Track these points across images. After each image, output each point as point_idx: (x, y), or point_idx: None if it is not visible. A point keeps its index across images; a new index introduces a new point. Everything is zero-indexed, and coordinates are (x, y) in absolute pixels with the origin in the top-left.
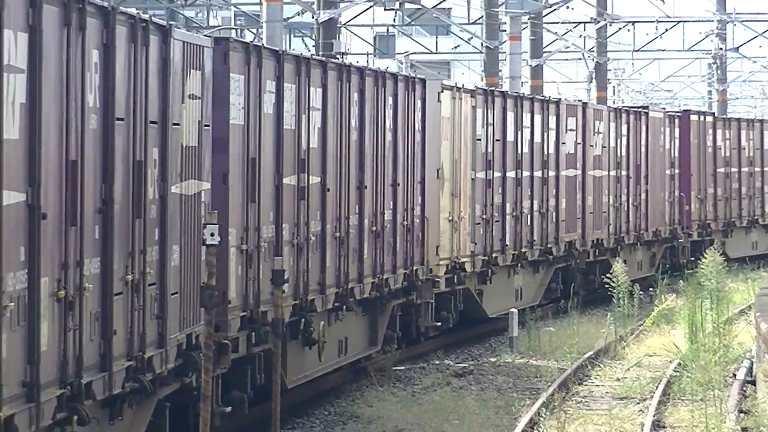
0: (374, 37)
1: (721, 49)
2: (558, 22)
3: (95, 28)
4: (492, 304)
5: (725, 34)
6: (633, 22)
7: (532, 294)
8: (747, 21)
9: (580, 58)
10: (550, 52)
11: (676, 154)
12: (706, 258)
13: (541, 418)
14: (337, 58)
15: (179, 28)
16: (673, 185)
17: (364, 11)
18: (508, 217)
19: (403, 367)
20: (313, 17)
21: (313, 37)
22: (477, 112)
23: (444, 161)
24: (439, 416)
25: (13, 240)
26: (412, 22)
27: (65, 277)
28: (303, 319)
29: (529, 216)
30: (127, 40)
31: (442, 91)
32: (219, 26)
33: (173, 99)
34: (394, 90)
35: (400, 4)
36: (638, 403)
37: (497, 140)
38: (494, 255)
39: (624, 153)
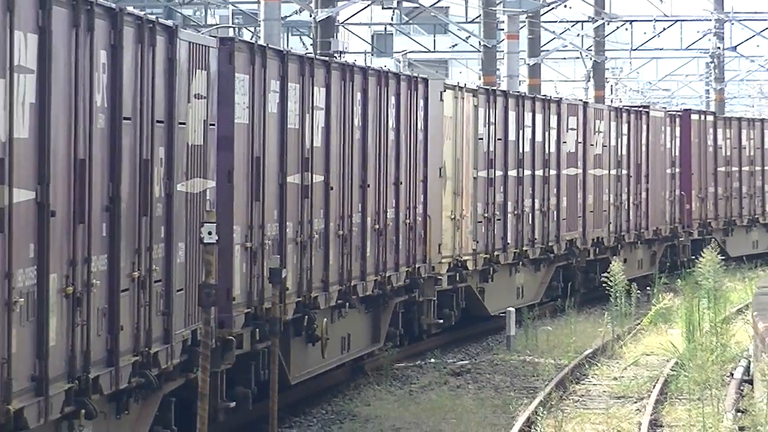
0: (372, 36)
1: (719, 48)
2: (556, 21)
3: (103, 29)
4: (494, 301)
5: (723, 33)
6: (631, 21)
7: (534, 292)
8: (745, 20)
9: (578, 57)
10: (547, 50)
11: (677, 153)
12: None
13: (539, 417)
14: (335, 57)
15: (185, 29)
16: (673, 184)
17: (362, 10)
18: (509, 215)
19: (403, 364)
20: (310, 16)
21: (311, 36)
22: (479, 111)
23: (446, 160)
24: (437, 415)
25: (22, 237)
26: (410, 21)
27: (73, 273)
28: (306, 316)
29: (530, 214)
30: (134, 41)
31: (445, 91)
32: (217, 25)
33: (179, 98)
34: (396, 89)
35: (397, 2)
36: (635, 402)
37: (499, 139)
38: (496, 253)
39: (624, 152)
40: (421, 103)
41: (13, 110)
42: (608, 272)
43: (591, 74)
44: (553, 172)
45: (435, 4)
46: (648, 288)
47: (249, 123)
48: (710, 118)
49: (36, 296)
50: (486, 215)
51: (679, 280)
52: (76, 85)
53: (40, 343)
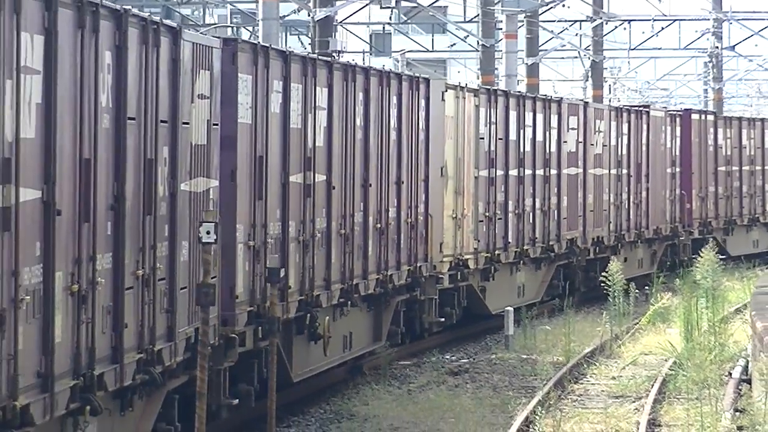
0: (370, 36)
1: (717, 47)
2: (554, 21)
3: (108, 30)
4: (495, 300)
5: (721, 32)
6: (629, 21)
7: (534, 291)
8: (743, 19)
9: (576, 57)
10: (546, 50)
11: (677, 153)
12: (702, 256)
13: (537, 417)
14: (333, 56)
15: (188, 30)
16: (674, 183)
17: (360, 9)
18: (510, 214)
19: (405, 362)
20: (309, 15)
21: (309, 35)
22: (480, 111)
23: (447, 159)
24: (435, 414)
25: (29, 235)
26: (408, 21)
27: (78, 271)
28: (309, 314)
29: (531, 214)
30: (139, 42)
31: (446, 91)
32: (215, 24)
33: (183, 99)
34: (398, 89)
35: (396, 2)
36: (634, 402)
37: (500, 139)
38: (497, 252)
39: (625, 151)
40: (422, 103)
41: (19, 110)
42: (607, 272)
43: (589, 74)
44: (553, 171)
45: (433, 3)
46: (647, 287)
47: (252, 123)
48: (711, 117)
49: (42, 294)
50: (487, 214)
51: (677, 279)
52: (81, 85)
53: (46, 340)
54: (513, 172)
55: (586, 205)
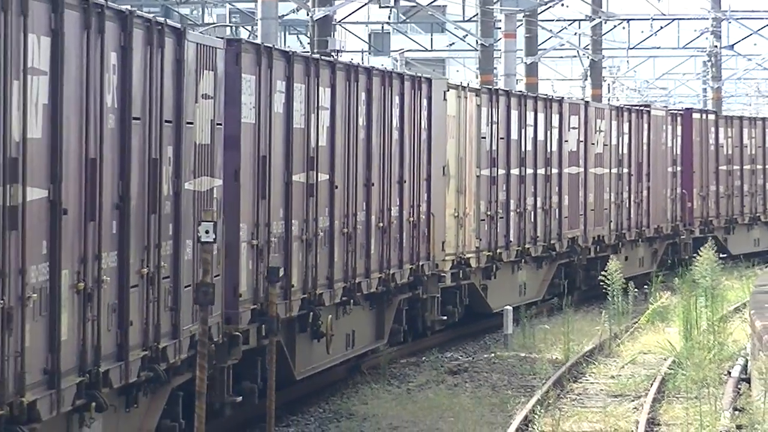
0: (369, 35)
1: (716, 46)
2: (553, 20)
3: (113, 31)
4: (496, 298)
5: (720, 31)
6: (628, 20)
7: (536, 289)
8: (742, 18)
9: (575, 56)
10: (545, 49)
11: (678, 152)
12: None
13: (536, 416)
14: (332, 56)
15: (192, 30)
16: (675, 182)
17: (359, 8)
18: (512, 213)
19: (404, 361)
20: (308, 15)
21: (308, 35)
22: (482, 110)
23: (449, 159)
24: (434, 413)
25: (35, 234)
26: (407, 20)
27: (84, 269)
28: (311, 313)
29: (532, 213)
30: (144, 43)
31: (448, 90)
32: (214, 24)
33: (187, 99)
34: (400, 89)
35: (395, 1)
36: (633, 401)
37: (501, 138)
38: (498, 251)
39: (626, 151)
40: (424, 102)
41: (26, 111)
42: (606, 270)
43: (588, 73)
44: (554, 170)
45: (432, 2)
46: (646, 286)
47: (255, 123)
48: (711, 117)
49: (48, 292)
50: (489, 213)
51: (676, 278)
52: (87, 86)
53: (52, 338)
54: (514, 172)
55: (587, 204)
